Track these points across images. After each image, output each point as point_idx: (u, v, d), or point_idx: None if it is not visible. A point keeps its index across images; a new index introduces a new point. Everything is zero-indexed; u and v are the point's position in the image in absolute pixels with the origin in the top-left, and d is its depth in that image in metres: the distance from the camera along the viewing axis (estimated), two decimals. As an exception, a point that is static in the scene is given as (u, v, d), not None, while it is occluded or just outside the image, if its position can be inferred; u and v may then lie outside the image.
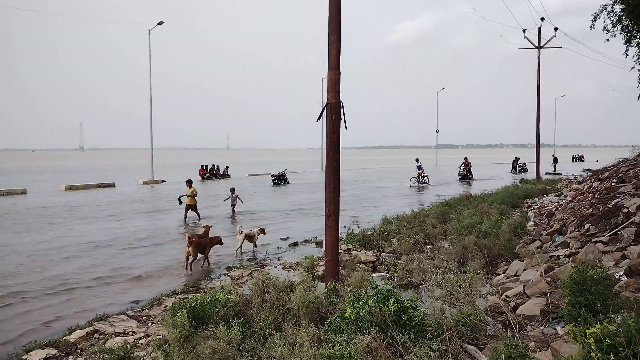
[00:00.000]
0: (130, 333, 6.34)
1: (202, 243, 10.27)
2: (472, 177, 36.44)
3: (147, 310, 7.33)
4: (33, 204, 21.65)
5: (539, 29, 27.98)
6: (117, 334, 6.27)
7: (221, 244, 10.94)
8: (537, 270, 6.82)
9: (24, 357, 5.62)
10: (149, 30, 35.51)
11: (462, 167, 36.60)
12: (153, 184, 33.46)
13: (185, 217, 16.51)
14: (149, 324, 6.73)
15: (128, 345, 4.88)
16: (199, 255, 10.22)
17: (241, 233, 11.57)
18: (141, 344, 5.84)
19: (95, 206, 20.92)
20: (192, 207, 16.61)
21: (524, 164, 46.82)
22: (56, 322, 7.13)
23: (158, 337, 5.79)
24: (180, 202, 16.84)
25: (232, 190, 18.32)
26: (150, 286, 8.77)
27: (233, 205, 18.10)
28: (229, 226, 15.55)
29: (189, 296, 6.95)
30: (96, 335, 6.30)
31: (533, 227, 11.66)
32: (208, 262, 10.47)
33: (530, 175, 34.53)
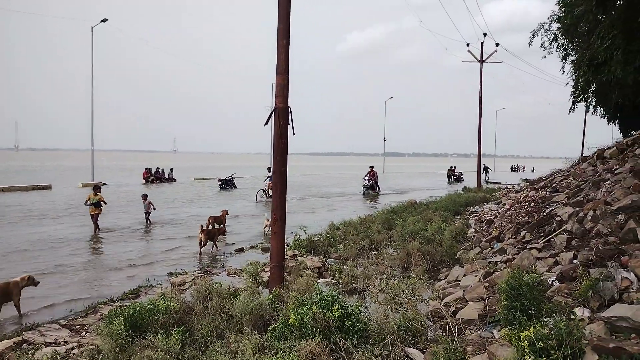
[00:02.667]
0: (62, 343, 6.00)
1: (211, 232, 12.18)
2: (379, 189, 31.31)
3: (81, 319, 6.97)
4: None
5: (482, 43, 29.19)
6: (47, 344, 5.91)
7: (224, 234, 12.96)
8: (476, 276, 7.03)
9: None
10: (92, 28, 34.24)
11: (367, 178, 30.75)
12: (92, 186, 32.09)
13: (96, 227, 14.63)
14: (83, 333, 6.40)
15: (58, 356, 4.60)
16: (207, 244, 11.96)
17: (269, 220, 13.04)
18: (73, 354, 5.53)
19: (26, 209, 19.83)
20: (93, 216, 14.62)
21: (460, 173, 47.46)
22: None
23: (92, 347, 5.50)
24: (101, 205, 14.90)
25: (145, 196, 16.82)
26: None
27: (147, 213, 16.53)
28: (143, 234, 14.85)
29: (127, 303, 6.66)
30: (25, 345, 5.92)
31: (474, 234, 12.05)
32: (217, 247, 12.19)
33: (470, 183, 34.84)
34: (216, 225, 14.04)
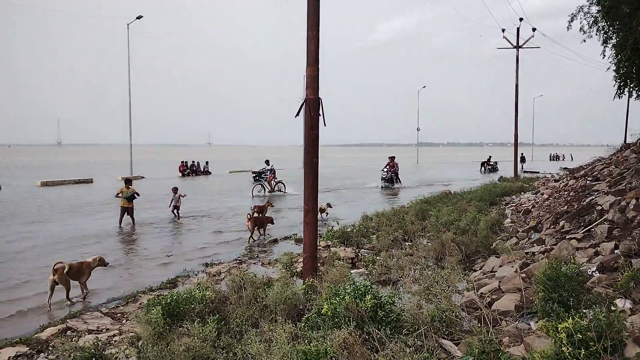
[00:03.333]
0: (104, 330, 6.23)
1: (259, 220, 13.04)
2: (400, 181, 28.98)
3: (121, 307, 7.21)
4: (5, 199, 21.21)
5: (518, 29, 28.37)
6: (90, 331, 6.16)
7: (272, 223, 13.48)
8: (512, 267, 6.90)
9: (-7, 355, 5.48)
10: (128, 25, 34.98)
11: (385, 170, 28.64)
12: (132, 180, 32.98)
13: (121, 222, 14.67)
14: (124, 321, 6.63)
15: (99, 343, 4.78)
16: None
17: (321, 206, 14.86)
18: (115, 341, 5.74)
19: (71, 202, 20.57)
20: (128, 210, 14.83)
21: (495, 162, 45.93)
22: (26, 318, 6.98)
23: (132, 334, 5.70)
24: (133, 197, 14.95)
25: (175, 189, 16.55)
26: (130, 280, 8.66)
27: (177, 206, 16.36)
28: (179, 226, 14.98)
29: (165, 293, 6.85)
30: (69, 332, 6.17)
31: (510, 224, 11.82)
32: (264, 233, 13.07)
33: (505, 173, 33.61)
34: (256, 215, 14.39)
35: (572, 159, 70.33)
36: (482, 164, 45.53)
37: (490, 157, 47.65)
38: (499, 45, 29.24)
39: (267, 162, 26.15)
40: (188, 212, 17.12)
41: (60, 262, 7.73)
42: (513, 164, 30.59)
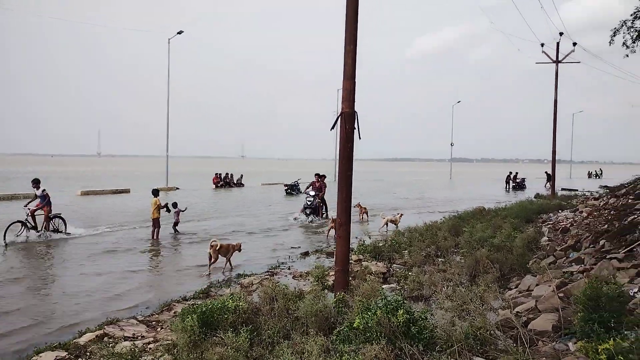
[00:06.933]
0: (140, 337, 6.36)
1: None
2: (325, 210, 19.86)
3: (156, 315, 7.35)
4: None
5: (557, 43, 27.82)
6: (126, 338, 6.29)
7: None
8: (549, 286, 6.73)
9: (34, 358, 5.66)
10: (169, 40, 36.05)
11: (311, 192, 19.63)
12: (167, 190, 33.72)
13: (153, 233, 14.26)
14: (159, 329, 6.75)
15: (136, 349, 4.89)
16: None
17: (384, 218, 16.37)
18: (150, 348, 5.86)
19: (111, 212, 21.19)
20: (155, 221, 14.30)
21: (523, 179, 41.83)
22: (67, 324, 7.21)
23: (167, 341, 5.80)
24: (168, 210, 14.83)
25: (175, 205, 15.45)
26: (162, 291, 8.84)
27: (176, 222, 15.35)
28: (209, 238, 15.35)
29: (199, 302, 6.96)
30: (106, 338, 6.32)
31: (547, 243, 11.52)
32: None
33: (536, 191, 31.72)
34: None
35: (600, 174, 68.37)
36: (507, 180, 41.41)
37: (516, 173, 43.26)
38: (538, 59, 28.76)
39: (35, 182, 14.60)
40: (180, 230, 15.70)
41: (215, 241, 10.27)
42: (550, 182, 29.84)
